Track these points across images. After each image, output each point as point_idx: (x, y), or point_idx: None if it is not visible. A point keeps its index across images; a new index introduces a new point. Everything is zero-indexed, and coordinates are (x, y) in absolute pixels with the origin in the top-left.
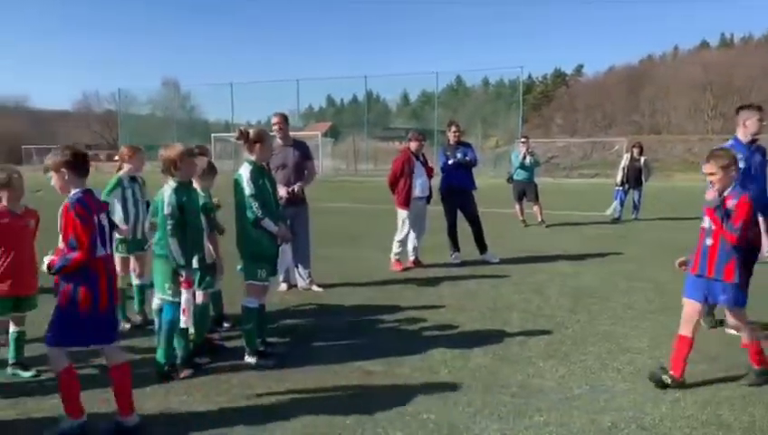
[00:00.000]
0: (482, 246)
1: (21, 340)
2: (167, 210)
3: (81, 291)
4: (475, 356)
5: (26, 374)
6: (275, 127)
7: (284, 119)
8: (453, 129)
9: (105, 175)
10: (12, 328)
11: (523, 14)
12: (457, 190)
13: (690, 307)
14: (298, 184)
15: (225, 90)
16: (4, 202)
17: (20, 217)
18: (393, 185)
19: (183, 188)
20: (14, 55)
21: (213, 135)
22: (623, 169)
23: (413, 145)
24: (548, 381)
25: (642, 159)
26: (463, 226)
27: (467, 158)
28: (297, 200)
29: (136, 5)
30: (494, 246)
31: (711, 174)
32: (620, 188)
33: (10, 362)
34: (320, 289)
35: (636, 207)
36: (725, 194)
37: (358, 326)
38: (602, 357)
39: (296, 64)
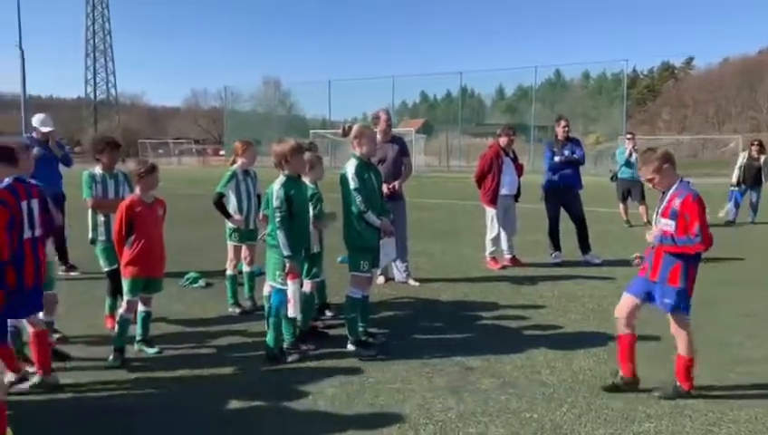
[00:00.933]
0: (585, 247)
1: (147, 319)
2: (275, 203)
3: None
4: (579, 358)
5: (151, 351)
6: (384, 124)
7: (389, 115)
8: (562, 124)
9: (213, 168)
10: (140, 308)
11: (627, 5)
12: (563, 188)
13: (624, 301)
14: (398, 181)
15: (322, 87)
16: (138, 192)
17: (151, 206)
18: (480, 181)
19: (291, 182)
20: (132, 56)
21: (311, 131)
22: (740, 168)
23: (502, 140)
24: None
25: (762, 158)
26: (562, 225)
27: (575, 155)
28: (395, 196)
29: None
30: (596, 246)
31: (650, 180)
32: (736, 188)
33: (137, 338)
34: (416, 283)
35: (754, 210)
36: (670, 193)
37: (455, 322)
38: (717, 366)
39: (391, 61)
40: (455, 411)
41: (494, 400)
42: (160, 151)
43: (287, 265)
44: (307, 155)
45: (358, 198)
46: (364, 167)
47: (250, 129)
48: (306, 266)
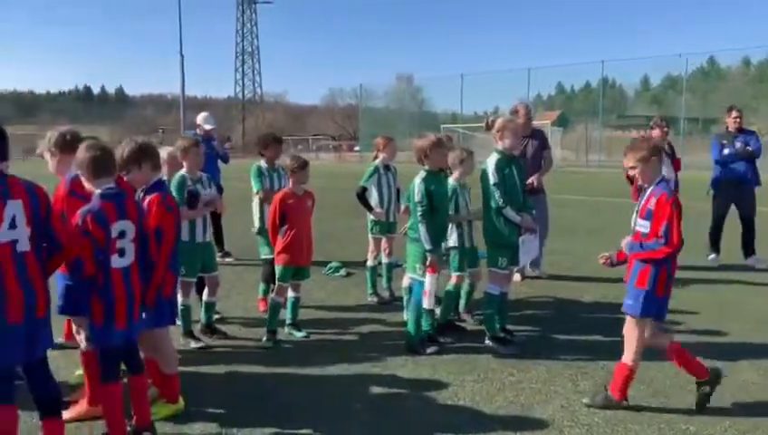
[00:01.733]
0: (749, 249)
1: (296, 304)
2: (417, 197)
3: None
4: (742, 371)
5: (299, 334)
6: (523, 117)
7: (528, 109)
8: (733, 114)
9: (348, 163)
10: (290, 293)
11: None
12: (734, 184)
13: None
14: (536, 175)
15: (454, 82)
16: (291, 186)
17: (301, 198)
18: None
19: (432, 177)
20: (276, 57)
21: (442, 126)
22: None
23: (655, 133)
24: None
25: None
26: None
27: (749, 147)
28: (536, 190)
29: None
30: (761, 249)
31: (632, 168)
32: None
33: (287, 322)
34: (548, 279)
35: None
36: (649, 191)
37: (599, 323)
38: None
39: (526, 52)
40: (601, 416)
41: (645, 407)
42: (300, 147)
43: (428, 257)
44: (458, 153)
45: (497, 193)
46: (506, 161)
47: (383, 125)
48: (456, 260)
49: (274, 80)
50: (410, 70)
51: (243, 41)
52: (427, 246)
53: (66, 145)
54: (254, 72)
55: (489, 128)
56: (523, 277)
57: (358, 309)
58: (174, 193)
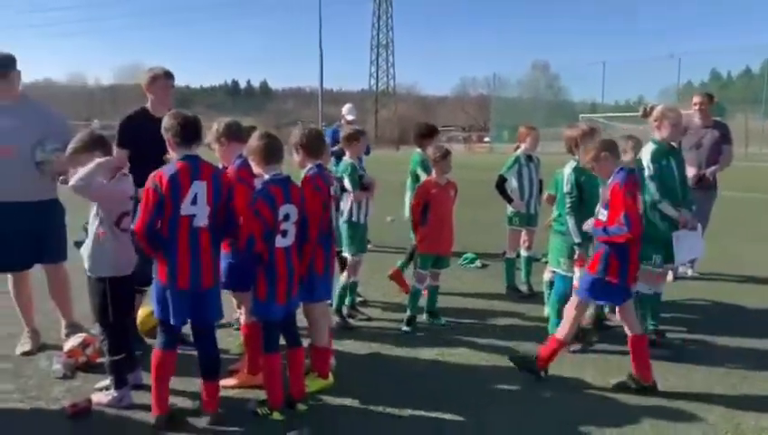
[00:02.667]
0: None
1: (435, 293)
2: (566, 188)
3: None
4: None
5: (438, 322)
6: (695, 106)
7: (709, 98)
8: None
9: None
10: (429, 281)
11: None
12: None
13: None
14: (711, 168)
15: (595, 69)
16: (434, 175)
17: (444, 187)
18: None
19: (582, 168)
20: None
21: (581, 116)
22: None
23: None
24: None
25: None
26: None
27: None
28: (706, 185)
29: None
30: None
31: (591, 168)
32: None
33: (426, 309)
34: (702, 280)
35: None
36: (608, 183)
37: (761, 329)
38: None
39: (674, 37)
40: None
41: None
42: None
43: (576, 251)
44: (624, 141)
45: (652, 186)
46: (663, 152)
47: (516, 115)
48: None
49: (407, 71)
50: (546, 57)
51: (378, 33)
52: (576, 240)
53: (232, 134)
54: (387, 63)
55: (646, 115)
56: (675, 277)
57: (495, 302)
58: (346, 178)
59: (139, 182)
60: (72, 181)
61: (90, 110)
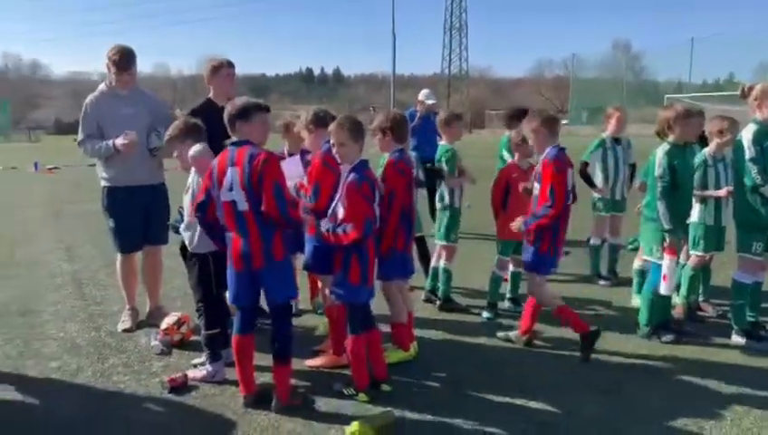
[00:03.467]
0: None
1: (518, 279)
2: (657, 171)
3: None
4: None
5: (520, 309)
6: None
7: None
8: None
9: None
10: (511, 267)
11: None
12: None
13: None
14: None
15: (681, 47)
16: (516, 160)
17: (526, 172)
18: None
19: (676, 150)
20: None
21: (666, 96)
22: None
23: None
24: None
25: None
26: None
27: None
28: None
29: None
30: None
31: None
32: None
33: (507, 296)
34: None
35: None
36: (540, 158)
37: None
38: None
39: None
40: None
41: None
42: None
43: (666, 239)
44: (719, 122)
45: (753, 170)
46: (765, 133)
47: (595, 96)
48: (697, 238)
49: (480, 54)
50: (628, 36)
51: (451, 16)
52: (666, 226)
53: (320, 122)
54: (461, 47)
55: (745, 96)
56: None
57: (578, 289)
58: (445, 163)
59: None
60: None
61: (173, 99)
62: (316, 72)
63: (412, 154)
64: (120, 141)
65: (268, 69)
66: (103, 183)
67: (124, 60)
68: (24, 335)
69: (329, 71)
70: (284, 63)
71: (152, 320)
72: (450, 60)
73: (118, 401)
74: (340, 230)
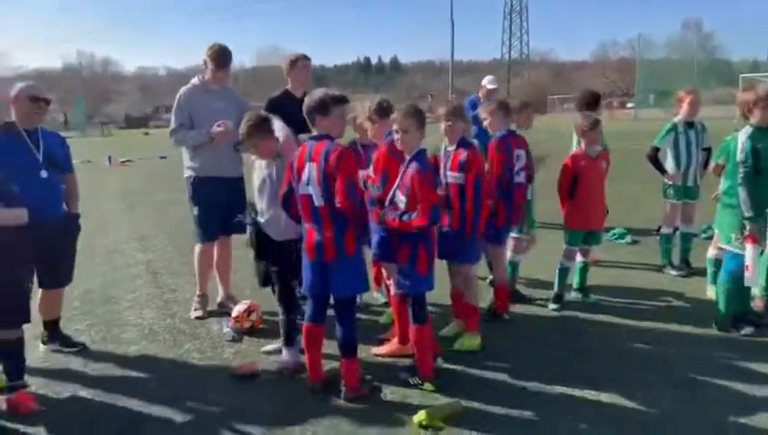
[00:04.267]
0: None
1: (585, 270)
2: (739, 156)
3: None
4: None
5: (588, 300)
6: None
7: None
8: None
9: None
10: (578, 258)
11: None
12: None
13: None
14: None
15: (758, 24)
16: (583, 147)
17: (595, 159)
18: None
19: (760, 133)
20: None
21: (740, 76)
22: None
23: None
24: None
25: None
26: None
27: None
28: None
29: None
30: None
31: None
32: None
33: (575, 287)
34: None
35: None
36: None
37: None
38: None
39: None
40: None
41: None
42: (565, 106)
43: (747, 226)
44: None
45: None
46: None
47: (663, 78)
48: None
49: (542, 37)
50: (699, 15)
51: (512, 0)
52: (747, 214)
53: (383, 112)
54: (521, 30)
55: None
56: None
57: (649, 280)
58: None
59: None
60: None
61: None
62: (374, 61)
63: (474, 142)
64: (215, 129)
65: (327, 60)
66: (189, 173)
67: (222, 58)
68: (106, 322)
69: (386, 59)
70: (342, 54)
71: (223, 308)
72: (510, 44)
73: (193, 384)
74: (406, 217)
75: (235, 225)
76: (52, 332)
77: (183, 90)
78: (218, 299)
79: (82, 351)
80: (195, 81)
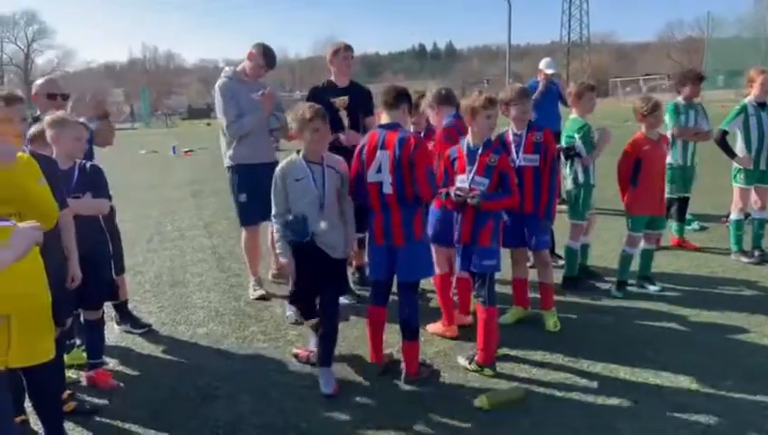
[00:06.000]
0: None
1: (650, 257)
2: None
3: None
4: None
5: (653, 288)
6: None
7: None
8: None
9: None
10: (642, 244)
11: None
12: None
13: None
14: None
15: None
16: (644, 130)
17: (657, 143)
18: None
19: None
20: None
21: None
22: None
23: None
24: None
25: None
26: None
27: None
28: None
29: None
30: None
31: None
32: None
33: (639, 274)
34: None
35: None
36: None
37: None
38: None
39: None
40: None
41: None
42: (628, 89)
43: None
44: None
45: None
46: None
47: (733, 57)
48: None
49: (603, 18)
50: None
51: None
52: None
53: (443, 99)
54: (581, 12)
55: None
56: None
57: (718, 268)
58: (578, 139)
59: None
60: None
61: (291, 81)
62: (429, 47)
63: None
64: (257, 96)
65: (381, 48)
66: (230, 162)
67: (272, 60)
68: (175, 304)
69: (441, 45)
70: (398, 41)
71: (278, 279)
72: (570, 26)
73: (259, 364)
74: (497, 197)
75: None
76: (123, 313)
77: (222, 84)
78: (270, 273)
79: (154, 332)
80: (229, 73)
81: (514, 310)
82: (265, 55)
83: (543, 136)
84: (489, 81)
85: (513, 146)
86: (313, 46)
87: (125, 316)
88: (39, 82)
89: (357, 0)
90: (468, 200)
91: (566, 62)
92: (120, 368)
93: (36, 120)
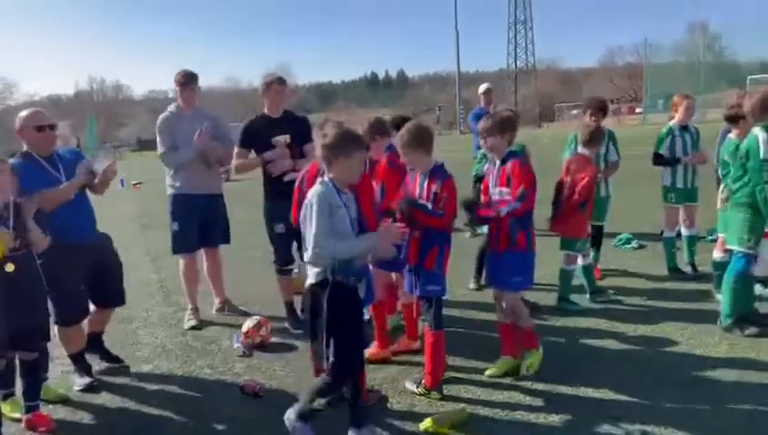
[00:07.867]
0: None
1: (587, 272)
2: (763, 154)
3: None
4: None
5: (596, 301)
6: None
7: None
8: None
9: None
10: (579, 261)
11: None
12: None
13: None
14: None
15: (764, 23)
16: (587, 153)
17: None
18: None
19: None
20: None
21: (749, 77)
22: None
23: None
24: None
25: None
26: None
27: None
28: None
29: None
30: None
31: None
32: None
33: (590, 290)
34: None
35: None
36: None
37: None
38: None
39: None
40: None
41: None
42: (573, 113)
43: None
44: None
45: None
46: None
47: (671, 82)
48: None
49: (548, 45)
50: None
51: (515, 10)
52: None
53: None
54: (526, 40)
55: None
56: None
57: (657, 284)
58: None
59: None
60: None
61: (245, 109)
62: (380, 75)
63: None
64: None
65: (334, 76)
66: (171, 190)
67: (185, 79)
68: (122, 340)
69: (393, 73)
70: (350, 70)
71: (227, 311)
72: (516, 54)
73: (205, 399)
74: (510, 208)
75: (219, 236)
76: (94, 345)
77: (161, 117)
78: (214, 308)
79: (99, 370)
80: (172, 108)
81: (501, 361)
82: (180, 75)
83: (520, 166)
84: (441, 108)
85: (489, 178)
86: (264, 77)
87: (95, 348)
88: (24, 114)
89: (308, 29)
90: (399, 203)
91: (514, 89)
92: (62, 407)
93: (25, 156)
